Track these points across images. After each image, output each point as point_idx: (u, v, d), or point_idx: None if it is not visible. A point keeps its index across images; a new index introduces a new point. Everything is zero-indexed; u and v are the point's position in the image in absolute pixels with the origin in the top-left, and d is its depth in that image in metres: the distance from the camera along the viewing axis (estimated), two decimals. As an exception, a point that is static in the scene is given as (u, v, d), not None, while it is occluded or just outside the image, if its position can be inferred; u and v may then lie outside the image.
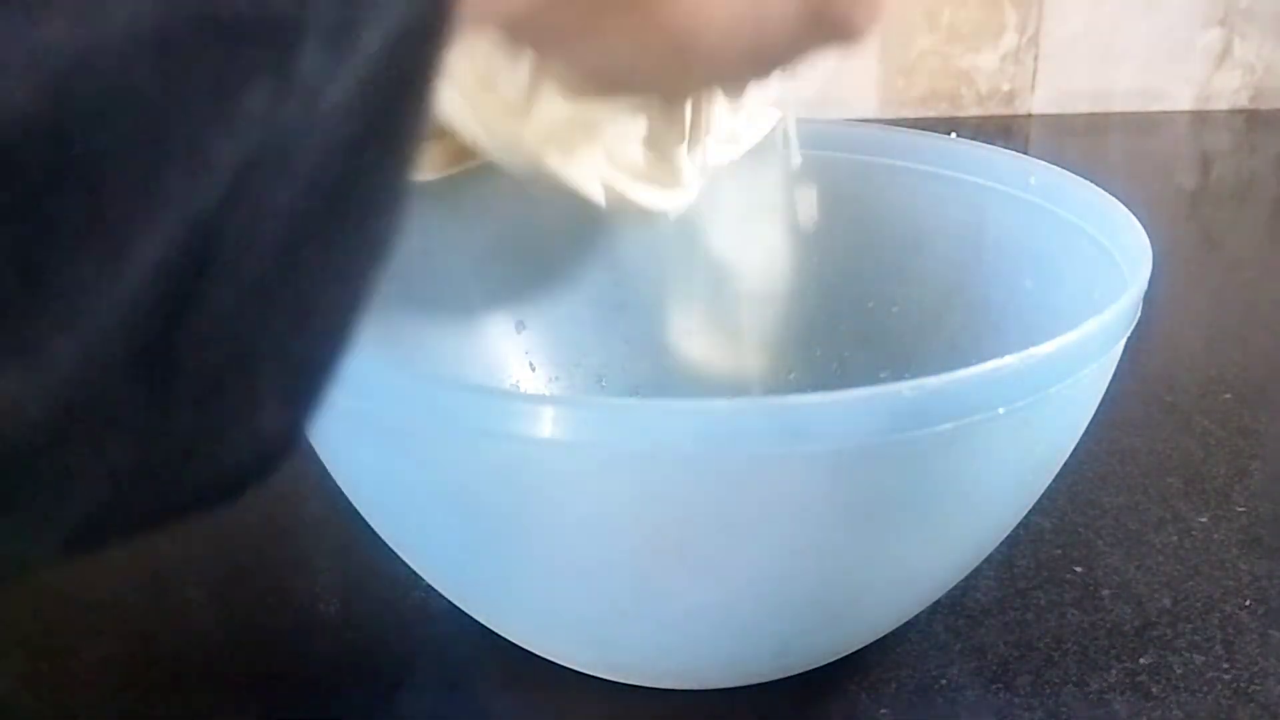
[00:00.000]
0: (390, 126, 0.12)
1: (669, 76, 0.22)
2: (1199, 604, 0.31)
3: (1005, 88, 0.72)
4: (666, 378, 0.37)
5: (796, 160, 0.32)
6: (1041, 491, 0.26)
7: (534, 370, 0.36)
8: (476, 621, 0.28)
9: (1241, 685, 0.28)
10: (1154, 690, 0.28)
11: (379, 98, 0.11)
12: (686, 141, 0.30)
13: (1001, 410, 0.21)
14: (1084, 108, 0.73)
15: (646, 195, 0.31)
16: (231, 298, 0.11)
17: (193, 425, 0.11)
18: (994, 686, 0.28)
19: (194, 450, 0.12)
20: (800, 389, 0.36)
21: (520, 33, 0.22)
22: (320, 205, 0.11)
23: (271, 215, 0.10)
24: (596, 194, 0.31)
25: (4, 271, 0.09)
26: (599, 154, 0.30)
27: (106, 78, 0.09)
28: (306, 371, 0.12)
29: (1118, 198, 0.29)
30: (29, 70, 0.08)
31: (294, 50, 0.10)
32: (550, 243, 0.36)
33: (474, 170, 0.34)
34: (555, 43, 0.21)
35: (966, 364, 0.21)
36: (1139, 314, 0.25)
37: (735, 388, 0.35)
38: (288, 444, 0.12)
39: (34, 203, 0.09)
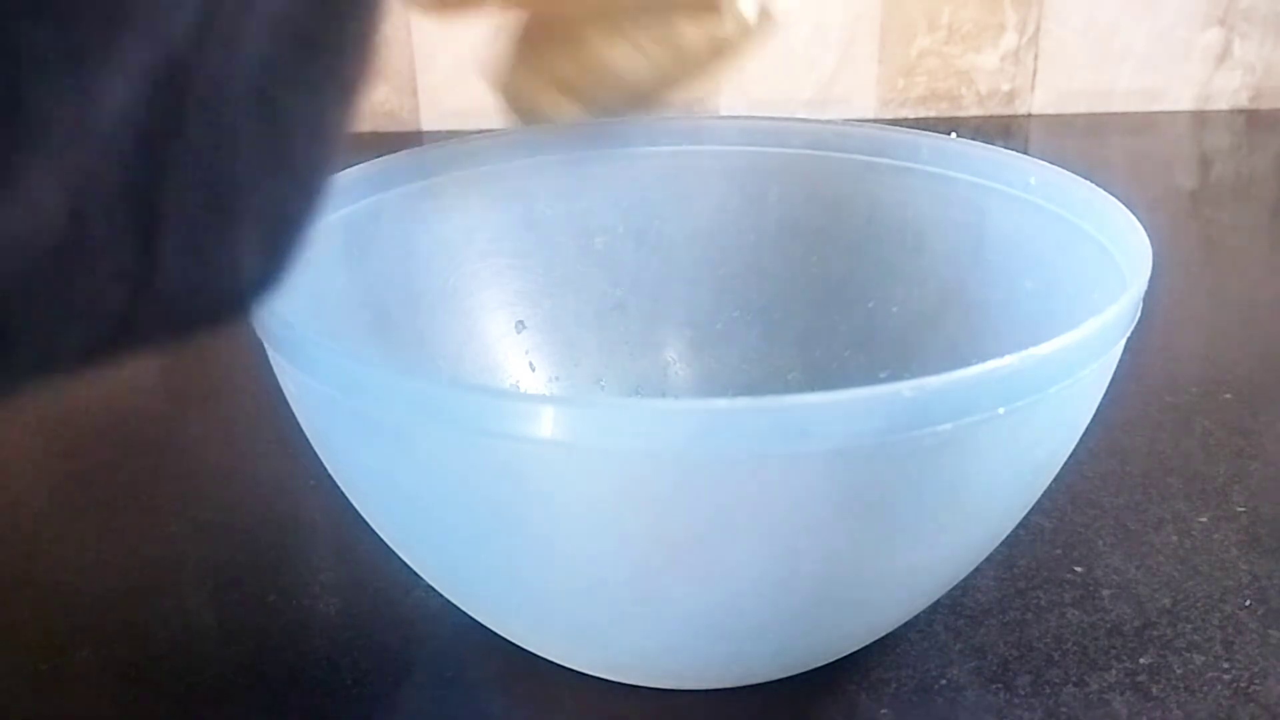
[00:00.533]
0: None
1: None
2: (1199, 604, 0.31)
3: (1005, 88, 0.72)
4: (667, 378, 0.37)
5: None
6: (1041, 491, 0.26)
7: (534, 370, 0.36)
8: (476, 621, 0.28)
9: (1241, 685, 0.28)
10: (1154, 690, 0.28)
11: None
12: None
13: (1001, 410, 0.21)
14: (1084, 108, 0.73)
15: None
16: (208, 138, 0.11)
17: (178, 267, 0.11)
18: (994, 686, 0.28)
19: (181, 291, 0.12)
20: (800, 389, 0.36)
21: None
22: (290, 45, 0.11)
23: (242, 54, 0.10)
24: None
25: None
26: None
27: None
28: (284, 215, 0.12)
29: (1118, 198, 0.29)
30: None
31: None
32: (549, 243, 0.36)
33: (471, 167, 0.34)
34: None
35: (966, 364, 0.21)
36: (1139, 314, 0.25)
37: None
38: (267, 288, 0.13)
39: (3, 33, 0.09)
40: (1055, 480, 0.26)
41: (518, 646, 0.28)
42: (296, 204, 0.12)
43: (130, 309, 0.11)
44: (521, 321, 0.36)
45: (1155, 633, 0.30)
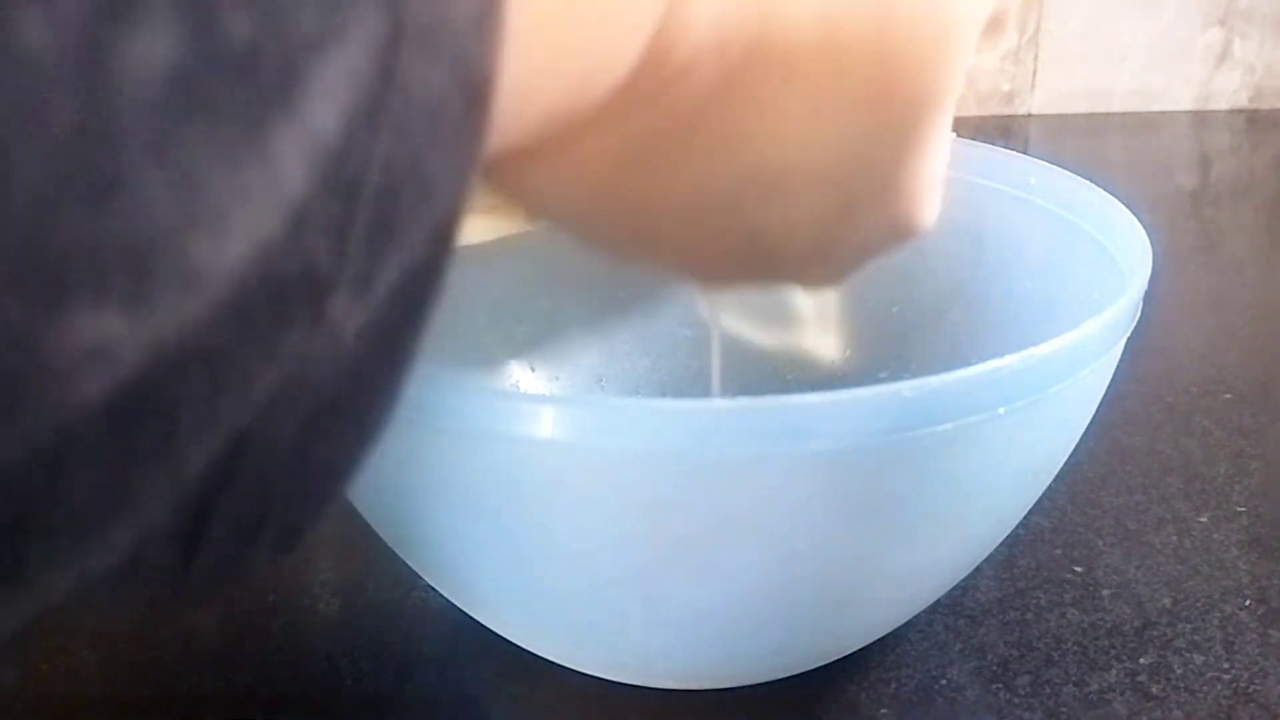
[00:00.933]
0: (395, 349, 0.13)
1: (730, 271, 0.22)
2: (1199, 604, 0.31)
3: (1005, 88, 0.72)
4: (666, 378, 0.37)
5: None
6: (1041, 491, 0.26)
7: (534, 370, 0.36)
8: (476, 621, 0.28)
9: (1241, 685, 0.28)
10: (1154, 690, 0.28)
11: (387, 327, 0.13)
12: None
13: (1002, 410, 0.21)
14: (1084, 108, 0.73)
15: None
16: (250, 485, 0.13)
17: (203, 573, 0.13)
18: (994, 686, 0.28)
19: (203, 590, 0.14)
20: (800, 389, 0.36)
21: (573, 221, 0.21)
22: (330, 412, 0.13)
23: (290, 422, 0.12)
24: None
25: (101, 466, 0.11)
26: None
27: (192, 342, 0.11)
28: (298, 530, 0.15)
29: (1118, 198, 0.29)
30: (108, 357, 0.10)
31: (328, 299, 0.12)
32: (550, 243, 0.36)
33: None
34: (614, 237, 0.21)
35: (966, 364, 0.21)
36: (1139, 314, 0.25)
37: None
38: (267, 570, 0.15)
39: (122, 432, 0.11)
40: (1055, 480, 0.26)
41: (517, 646, 0.28)
42: (311, 519, 0.15)
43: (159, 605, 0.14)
44: (522, 322, 0.36)
45: (1155, 633, 0.30)
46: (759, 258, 0.21)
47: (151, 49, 0.09)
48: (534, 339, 0.36)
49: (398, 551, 0.27)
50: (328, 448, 0.14)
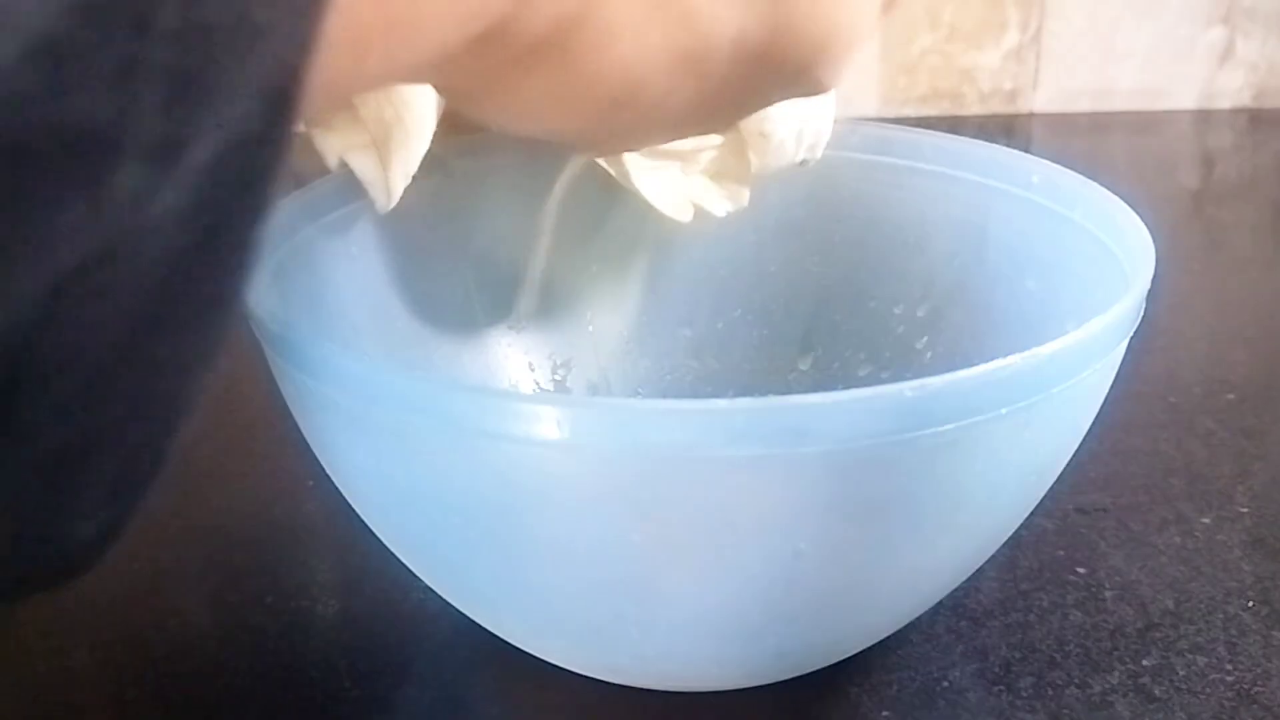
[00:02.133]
0: (225, 235, 0.11)
1: (608, 133, 0.21)
2: (1202, 605, 0.31)
3: (1007, 86, 0.72)
4: (667, 378, 0.37)
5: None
6: (1044, 492, 0.26)
7: (533, 370, 0.36)
8: (475, 623, 0.28)
9: (1245, 687, 0.28)
10: (1157, 692, 0.28)
11: (212, 207, 0.11)
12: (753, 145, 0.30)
13: (1004, 411, 0.21)
14: (1086, 106, 0.73)
15: (716, 202, 0.31)
16: (48, 410, 0.10)
17: (16, 520, 0.11)
18: (996, 688, 0.28)
19: (15, 545, 0.12)
20: (800, 389, 0.36)
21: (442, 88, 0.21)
22: (148, 315, 0.11)
23: (95, 327, 0.10)
24: (678, 211, 0.31)
25: None
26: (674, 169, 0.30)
27: None
28: (129, 473, 0.12)
29: (1120, 197, 0.29)
30: None
31: (110, 166, 0.09)
32: (548, 243, 0.36)
33: (471, 167, 0.34)
34: (467, 101, 0.20)
35: (969, 364, 0.21)
36: (1142, 314, 0.25)
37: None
38: (106, 543, 0.13)
39: None
40: (1057, 481, 0.26)
41: (516, 648, 0.28)
42: (143, 460, 0.12)
43: None
44: (521, 321, 0.36)
45: (1158, 634, 0.30)
46: (618, 110, 0.20)
47: None
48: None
49: (396, 552, 0.27)
50: (151, 363, 0.11)
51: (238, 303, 0.12)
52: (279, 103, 0.11)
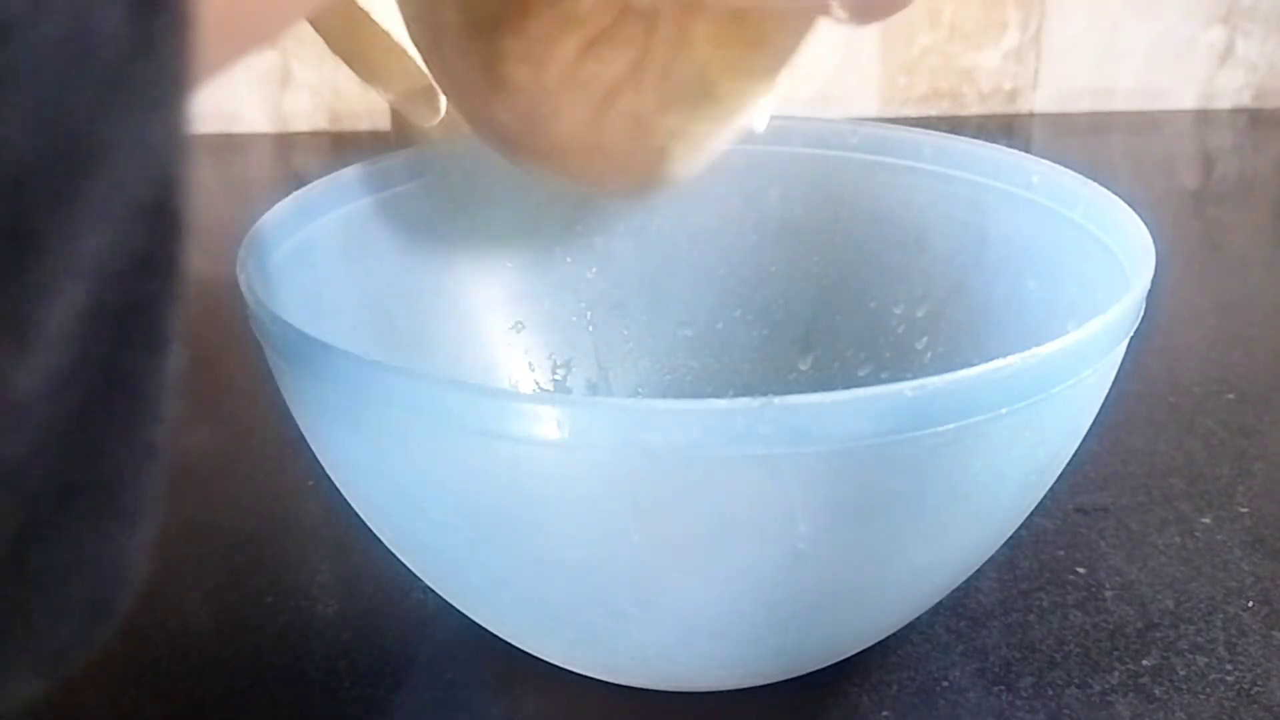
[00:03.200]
0: (117, 381, 0.10)
1: None
2: (1202, 605, 0.31)
3: (1007, 86, 0.72)
4: (667, 378, 0.37)
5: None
6: (1044, 492, 0.26)
7: (533, 370, 0.36)
8: (475, 622, 0.28)
9: (1244, 686, 0.28)
10: (1156, 692, 0.28)
11: (94, 359, 0.09)
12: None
13: (1004, 411, 0.21)
14: (1086, 106, 0.73)
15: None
16: None
17: None
18: (996, 688, 0.28)
19: None
20: (800, 389, 0.36)
21: None
22: (47, 496, 0.10)
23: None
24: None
25: None
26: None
27: None
28: (60, 653, 0.11)
29: (1120, 197, 0.29)
30: None
31: None
32: (548, 243, 0.36)
33: (471, 167, 0.34)
34: None
35: (969, 364, 0.21)
36: (1142, 314, 0.25)
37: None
38: (39, 691, 0.12)
39: None
40: (1057, 481, 0.26)
41: (516, 648, 0.28)
42: (78, 635, 0.11)
43: None
44: (520, 321, 0.36)
45: (1158, 634, 0.30)
46: None
47: None
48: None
49: (396, 552, 0.27)
50: (64, 550, 0.10)
51: (161, 451, 0.11)
52: (159, 225, 0.09)
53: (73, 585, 0.11)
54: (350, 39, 0.27)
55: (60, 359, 0.09)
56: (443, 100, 0.27)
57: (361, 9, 0.27)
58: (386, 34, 0.26)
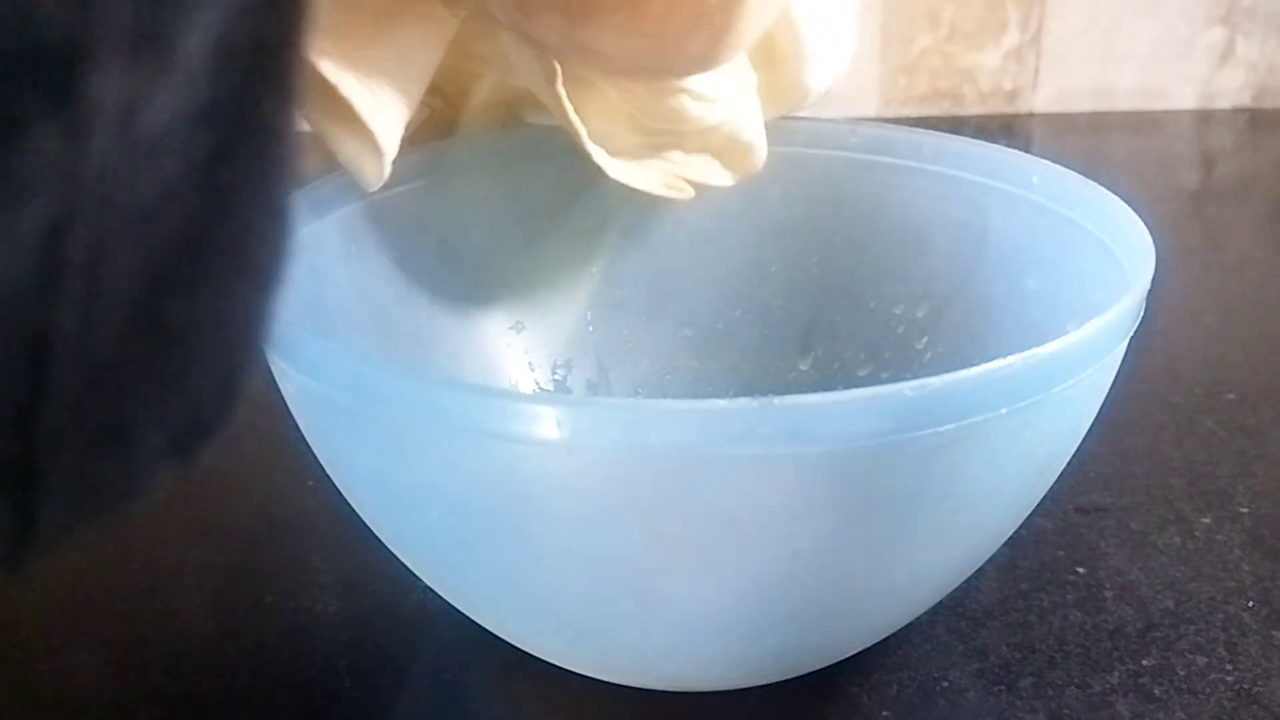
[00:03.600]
0: (248, 129, 0.10)
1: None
2: (1202, 605, 0.31)
3: (1007, 86, 0.72)
4: (667, 378, 0.37)
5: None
6: (1044, 492, 0.26)
7: (533, 370, 0.36)
8: (475, 623, 0.28)
9: (1245, 687, 0.28)
10: (1156, 692, 0.28)
11: (225, 101, 0.09)
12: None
13: (1004, 411, 0.21)
14: (1086, 106, 0.73)
15: (720, 174, 0.31)
16: (81, 384, 0.09)
17: (65, 514, 0.10)
18: (996, 688, 0.28)
19: (70, 516, 0.11)
20: (800, 389, 0.36)
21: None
22: (179, 246, 0.10)
23: (116, 276, 0.09)
24: (674, 191, 0.30)
25: None
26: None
27: None
28: (194, 418, 0.11)
29: (1120, 197, 0.29)
30: None
31: (81, 77, 0.08)
32: (548, 243, 0.36)
33: (470, 167, 0.34)
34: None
35: (969, 364, 0.21)
36: (1142, 314, 0.25)
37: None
38: (179, 476, 0.12)
39: None
40: (1057, 481, 0.26)
41: (517, 648, 0.28)
42: (209, 407, 0.11)
43: (15, 538, 0.11)
44: (520, 321, 0.36)
45: (1158, 634, 0.30)
46: None
47: None
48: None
49: (396, 552, 0.27)
50: (194, 302, 0.10)
51: (284, 210, 0.11)
52: None
53: (205, 346, 0.11)
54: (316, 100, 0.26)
55: (194, 95, 0.09)
56: (388, 164, 0.27)
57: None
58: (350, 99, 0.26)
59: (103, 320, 0.09)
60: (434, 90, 0.31)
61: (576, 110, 0.29)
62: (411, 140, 0.28)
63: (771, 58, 0.31)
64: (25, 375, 0.09)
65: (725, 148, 0.31)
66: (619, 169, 0.30)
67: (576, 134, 0.29)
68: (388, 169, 0.27)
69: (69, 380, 0.09)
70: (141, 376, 0.10)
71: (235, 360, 0.11)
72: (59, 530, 0.11)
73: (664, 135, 0.30)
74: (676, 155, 0.31)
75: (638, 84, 0.27)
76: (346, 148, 0.27)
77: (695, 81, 0.28)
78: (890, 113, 0.72)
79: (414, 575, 0.27)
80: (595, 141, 0.29)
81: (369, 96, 0.25)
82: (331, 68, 0.25)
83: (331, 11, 0.25)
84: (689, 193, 0.31)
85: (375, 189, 0.28)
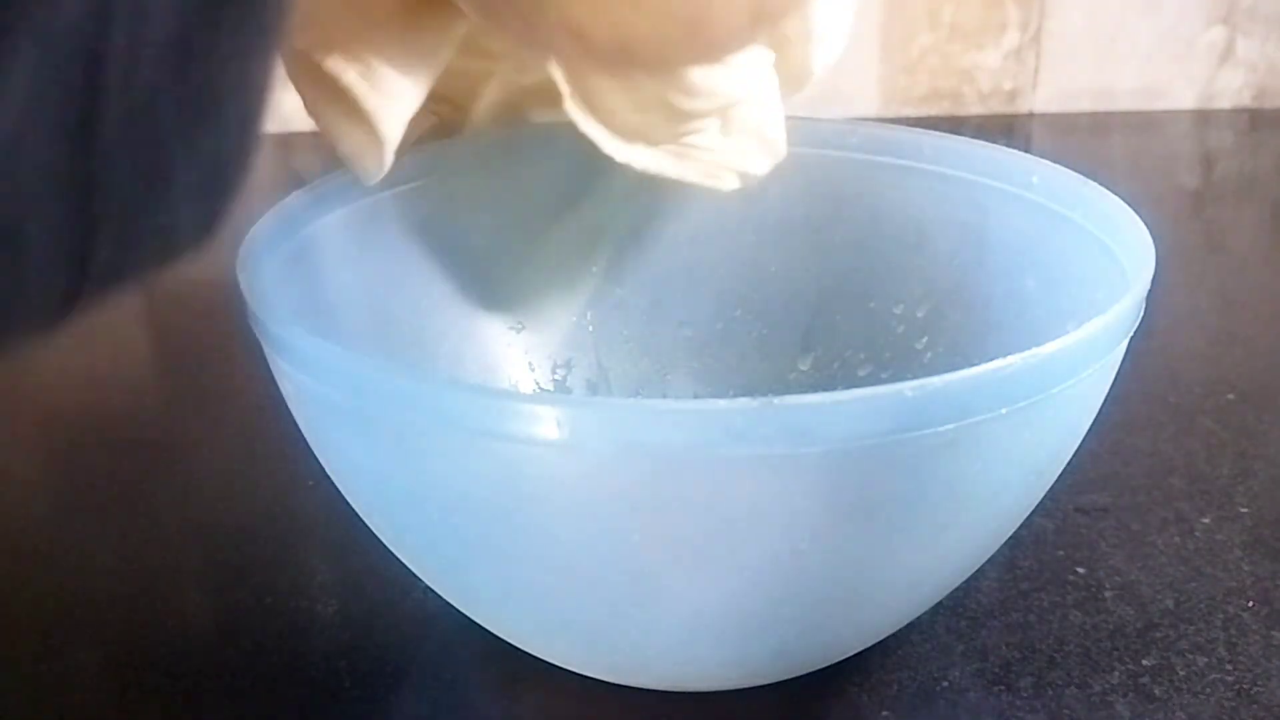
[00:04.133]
0: None
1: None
2: (1202, 605, 0.31)
3: (1007, 86, 0.72)
4: (667, 378, 0.37)
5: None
6: (1044, 492, 0.26)
7: (533, 370, 0.36)
8: (475, 623, 0.28)
9: (1244, 687, 0.28)
10: (1156, 692, 0.28)
11: None
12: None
13: (1004, 411, 0.21)
14: (1086, 106, 0.73)
15: (758, 160, 0.30)
16: (128, 106, 0.10)
17: (116, 231, 0.11)
18: (996, 688, 0.28)
19: (121, 248, 0.12)
20: (800, 389, 0.36)
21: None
22: (200, 13, 0.11)
23: (154, 13, 0.10)
24: (722, 181, 0.30)
25: None
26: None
27: None
28: (219, 162, 0.12)
29: (1120, 197, 0.29)
30: None
31: None
32: (548, 242, 0.36)
33: (471, 167, 0.34)
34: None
35: (968, 364, 0.21)
36: (1142, 314, 0.25)
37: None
38: (207, 235, 0.13)
39: None
40: (1057, 481, 0.26)
41: (517, 648, 0.28)
42: (230, 145, 0.13)
43: (72, 275, 0.11)
44: (520, 321, 0.36)
45: (1158, 634, 0.30)
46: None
47: None
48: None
49: (396, 552, 0.27)
50: (217, 37, 0.11)
51: None
52: None
53: (227, 93, 0.12)
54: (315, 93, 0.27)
55: None
56: (389, 155, 0.27)
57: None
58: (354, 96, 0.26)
59: (147, 51, 0.10)
60: (442, 98, 0.31)
61: (602, 105, 0.28)
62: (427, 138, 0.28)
63: (781, 37, 0.30)
64: (85, 90, 0.10)
65: (759, 128, 0.31)
66: (652, 159, 0.29)
67: (591, 124, 0.28)
68: (389, 159, 0.27)
69: (120, 102, 0.10)
70: (178, 109, 0.11)
71: (250, 113, 0.12)
72: (107, 273, 0.12)
73: (699, 119, 0.29)
74: (715, 140, 0.30)
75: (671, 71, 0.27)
76: (348, 141, 0.27)
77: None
78: (890, 113, 0.72)
79: (414, 575, 0.27)
80: (628, 135, 0.28)
81: (370, 88, 0.25)
82: (335, 61, 0.25)
83: (341, 5, 0.25)
84: (731, 182, 0.31)
85: (375, 181, 0.28)
